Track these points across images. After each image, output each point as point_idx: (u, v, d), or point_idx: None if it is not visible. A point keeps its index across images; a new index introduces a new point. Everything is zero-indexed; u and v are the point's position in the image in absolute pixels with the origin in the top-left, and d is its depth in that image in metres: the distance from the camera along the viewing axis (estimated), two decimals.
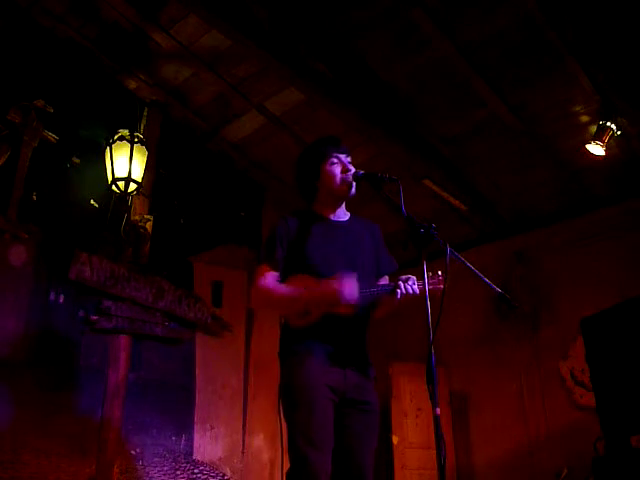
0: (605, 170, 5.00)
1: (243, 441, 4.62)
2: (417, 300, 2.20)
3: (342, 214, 2.49)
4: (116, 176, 4.02)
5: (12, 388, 3.32)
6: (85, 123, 4.13)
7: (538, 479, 5.10)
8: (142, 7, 3.83)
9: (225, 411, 4.59)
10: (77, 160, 4.04)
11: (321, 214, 2.45)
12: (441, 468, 1.77)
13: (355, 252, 2.39)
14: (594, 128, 4.44)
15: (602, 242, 5.32)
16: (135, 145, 4.07)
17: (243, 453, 4.59)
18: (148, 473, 3.83)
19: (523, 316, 5.55)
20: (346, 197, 2.44)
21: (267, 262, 2.33)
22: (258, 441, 4.73)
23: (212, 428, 4.42)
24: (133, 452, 3.83)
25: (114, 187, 4.03)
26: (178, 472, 4.03)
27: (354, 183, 2.39)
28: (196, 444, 4.28)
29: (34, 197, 3.72)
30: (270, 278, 2.29)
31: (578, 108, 4.43)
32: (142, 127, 4.47)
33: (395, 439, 5.36)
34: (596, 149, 4.45)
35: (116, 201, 4.09)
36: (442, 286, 2.22)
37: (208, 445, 4.36)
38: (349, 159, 2.44)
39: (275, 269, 2.30)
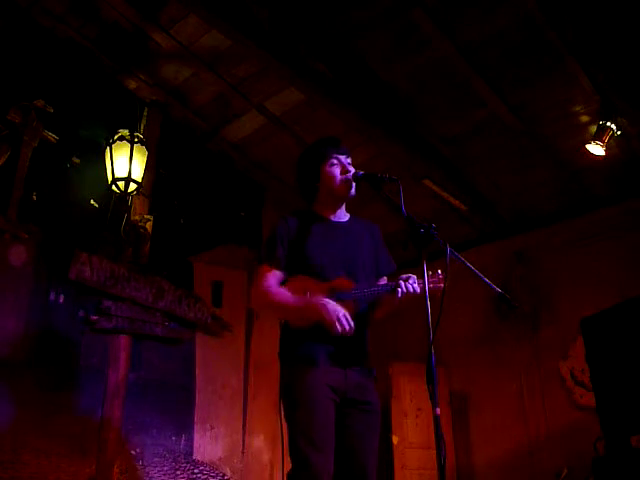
0: (605, 170, 5.00)
1: (243, 441, 4.62)
2: (417, 300, 2.20)
3: (342, 215, 2.50)
4: (116, 176, 4.01)
5: (12, 388, 3.32)
6: (85, 123, 4.13)
7: (538, 479, 5.10)
8: (142, 7, 3.83)
9: (225, 411, 4.59)
10: (77, 160, 4.04)
11: (321, 214, 2.45)
12: (441, 468, 1.77)
13: (355, 252, 2.39)
14: (594, 128, 4.44)
15: (602, 242, 5.32)
16: (135, 145, 4.07)
17: (243, 453, 4.59)
18: (148, 473, 3.83)
19: (523, 316, 5.55)
20: (346, 198, 2.45)
21: (268, 262, 2.33)
22: (258, 441, 4.73)
23: (212, 428, 4.42)
24: (133, 452, 3.82)
25: (114, 187, 4.03)
26: (178, 472, 4.03)
27: (354, 184, 2.40)
28: (196, 444, 4.27)
29: (34, 197, 3.72)
30: (272, 279, 2.29)
31: (578, 108, 4.43)
32: (142, 127, 4.47)
33: (395, 439, 5.36)
34: (596, 149, 4.45)
35: (116, 201, 4.09)
36: (442, 285, 2.23)
37: (208, 445, 4.36)
38: (349, 160, 2.45)
39: (277, 267, 2.31)
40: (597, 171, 5.04)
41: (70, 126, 4.00)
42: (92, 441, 3.57)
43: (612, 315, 4.01)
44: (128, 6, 3.80)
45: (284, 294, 2.26)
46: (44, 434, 3.37)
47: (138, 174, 4.08)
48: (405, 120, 4.70)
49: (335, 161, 2.41)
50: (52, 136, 3.86)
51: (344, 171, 2.40)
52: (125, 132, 4.08)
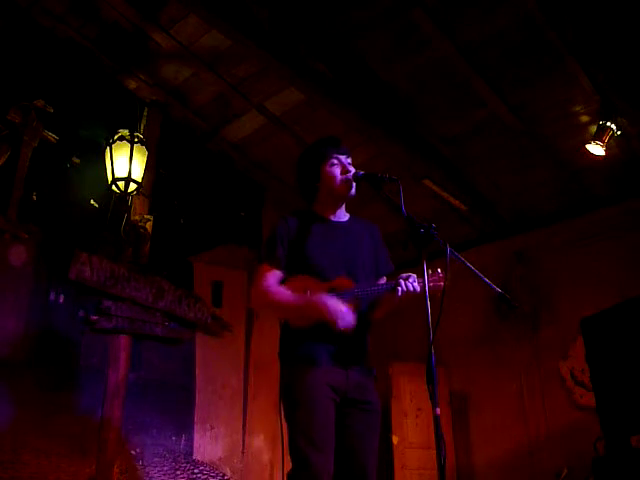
0: (605, 170, 5.00)
1: (243, 441, 4.62)
2: (417, 299, 2.20)
3: (342, 214, 2.50)
4: (116, 176, 4.01)
5: (12, 388, 3.32)
6: (85, 123, 4.13)
7: (538, 479, 5.10)
8: (142, 7, 3.83)
9: (225, 411, 4.59)
10: (77, 160, 4.04)
11: (321, 214, 2.45)
12: (441, 468, 1.77)
13: (355, 252, 2.40)
14: (594, 128, 4.44)
15: (602, 242, 5.32)
16: (135, 145, 4.07)
17: (243, 453, 4.59)
18: (148, 473, 3.83)
19: (523, 316, 5.55)
20: (346, 198, 2.45)
21: (268, 261, 2.33)
22: (258, 441, 4.73)
23: (212, 428, 4.42)
24: (133, 452, 3.82)
25: (114, 187, 4.03)
26: (178, 472, 4.03)
27: (354, 184, 2.40)
28: (196, 444, 4.27)
29: (34, 197, 3.72)
30: (272, 279, 2.29)
31: (578, 108, 4.43)
32: (142, 127, 4.47)
33: (395, 439, 5.36)
34: (596, 149, 4.45)
35: (116, 201, 4.09)
36: (442, 283, 2.23)
37: (208, 445, 4.36)
38: (349, 160, 2.45)
39: (277, 267, 2.31)
40: (597, 171, 5.04)
41: (70, 126, 4.00)
42: (92, 441, 3.57)
43: (612, 315, 4.01)
44: (128, 6, 3.80)
45: (284, 293, 2.26)
46: (44, 434, 3.37)
47: (138, 174, 4.08)
48: (405, 120, 4.70)
49: (335, 161, 2.41)
50: (52, 136, 3.86)
51: (344, 171, 2.40)
52: (125, 132, 4.08)
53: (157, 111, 4.63)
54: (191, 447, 4.23)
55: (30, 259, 3.61)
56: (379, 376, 2.42)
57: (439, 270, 2.30)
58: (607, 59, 3.95)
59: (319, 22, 3.91)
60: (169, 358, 4.24)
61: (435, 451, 1.77)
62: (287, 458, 2.12)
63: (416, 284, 2.23)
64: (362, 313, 2.31)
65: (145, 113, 4.55)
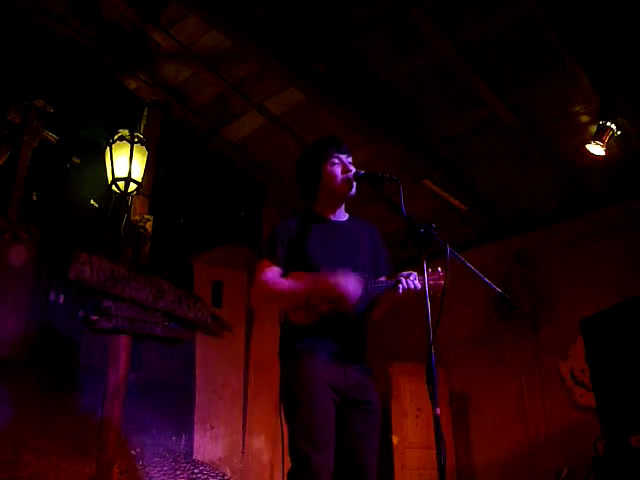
0: (605, 170, 5.00)
1: (243, 441, 4.62)
2: (416, 298, 2.20)
3: (342, 214, 2.50)
4: (116, 176, 4.01)
5: (12, 388, 3.32)
6: (85, 123, 4.13)
7: (538, 479, 5.10)
8: (142, 7, 3.83)
9: (225, 411, 4.59)
10: (77, 160, 4.04)
11: (321, 214, 2.45)
12: (441, 468, 1.77)
13: (355, 252, 2.40)
14: (594, 128, 4.44)
15: (602, 242, 5.32)
16: (135, 145, 4.07)
17: (243, 453, 4.59)
18: (148, 473, 3.83)
19: (523, 316, 5.55)
20: (346, 197, 2.45)
21: (268, 257, 2.33)
22: (258, 441, 4.73)
23: (212, 428, 4.42)
24: (133, 452, 3.82)
25: (114, 187, 4.03)
26: (178, 472, 4.03)
27: (355, 183, 2.39)
28: (196, 444, 4.27)
29: (34, 197, 3.72)
30: (272, 273, 2.29)
31: (578, 108, 4.43)
32: (142, 127, 4.46)
33: (395, 439, 5.36)
34: (596, 149, 4.45)
35: (116, 201, 4.09)
36: (442, 282, 2.23)
37: (208, 445, 4.36)
38: (350, 159, 2.45)
39: (277, 264, 2.30)
40: (597, 171, 5.03)
41: (70, 126, 4.00)
42: (92, 441, 3.57)
43: (612, 315, 4.01)
44: (128, 6, 3.80)
45: (285, 281, 2.26)
46: (44, 434, 3.37)
47: (138, 174, 4.08)
48: (405, 120, 4.70)
49: (336, 160, 2.41)
50: (52, 136, 3.86)
51: (345, 170, 2.40)
52: (125, 132, 4.08)
53: (157, 111, 4.63)
54: (191, 447, 4.23)
55: (30, 259, 3.61)
56: (379, 376, 2.42)
57: (439, 269, 2.31)
58: (607, 59, 3.95)
59: (319, 22, 3.91)
60: (169, 358, 4.24)
61: (435, 451, 1.77)
62: (287, 458, 2.12)
63: (417, 282, 2.24)
64: (361, 314, 2.32)
65: (145, 113, 4.55)
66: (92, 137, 4.14)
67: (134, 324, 3.88)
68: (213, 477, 4.24)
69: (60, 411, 3.50)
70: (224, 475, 4.33)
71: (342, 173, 2.40)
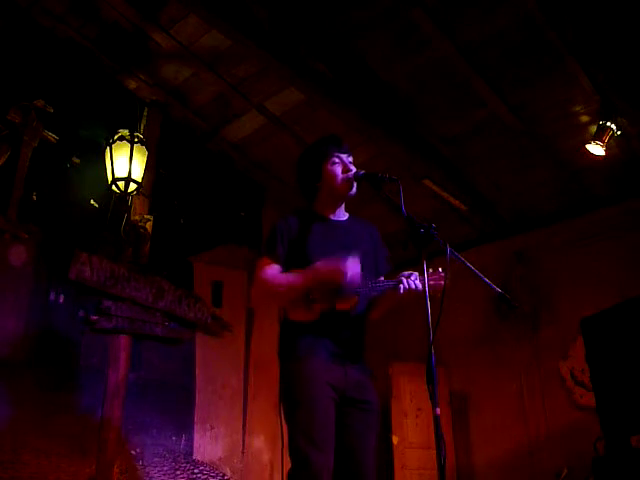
0: (605, 170, 5.00)
1: (243, 441, 4.62)
2: (416, 299, 2.20)
3: (341, 214, 2.51)
4: (116, 176, 4.01)
5: (12, 388, 3.32)
6: (85, 123, 4.13)
7: (538, 479, 5.10)
8: (142, 7, 3.83)
9: (225, 411, 4.59)
10: (77, 160, 4.04)
11: (321, 214, 2.46)
12: (441, 468, 1.77)
13: (355, 251, 2.39)
14: (594, 128, 4.44)
15: (602, 242, 5.32)
16: (135, 145, 4.07)
17: (243, 453, 4.59)
18: (148, 473, 3.83)
19: (523, 316, 5.55)
20: (346, 197, 2.45)
21: (268, 255, 2.33)
22: (258, 441, 4.73)
23: (212, 428, 4.42)
24: (133, 452, 3.82)
25: (114, 187, 4.03)
26: (178, 472, 4.03)
27: (355, 183, 2.40)
28: (196, 444, 4.28)
29: (34, 197, 3.72)
30: (271, 270, 2.29)
31: (578, 108, 4.43)
32: (142, 127, 4.46)
33: (395, 439, 5.36)
34: (596, 149, 4.45)
35: (116, 201, 4.09)
36: (442, 282, 2.24)
37: (208, 445, 4.36)
38: (350, 159, 2.45)
39: (277, 262, 2.31)
40: (597, 171, 5.04)
41: (70, 126, 4.00)
42: (92, 441, 3.57)
43: (612, 315, 4.01)
44: (128, 6, 3.80)
45: (284, 276, 2.27)
46: (44, 434, 3.37)
47: (138, 174, 4.08)
48: (405, 120, 4.70)
49: (337, 160, 2.41)
50: (52, 136, 3.86)
51: (346, 170, 2.40)
52: (125, 132, 4.07)
53: (157, 111, 4.63)
54: (191, 447, 4.23)
55: (30, 259, 3.61)
56: (379, 376, 2.42)
57: (440, 269, 2.31)
58: (607, 59, 3.95)
59: (319, 22, 3.91)
60: (169, 358, 4.24)
61: (435, 451, 1.77)
62: (287, 458, 2.12)
63: (418, 282, 2.24)
64: (360, 314, 2.32)
65: (145, 113, 4.55)
66: (92, 137, 4.14)
67: (134, 324, 3.88)
68: (213, 477, 4.24)
69: (60, 411, 3.50)
70: (224, 475, 4.33)
71: (343, 173, 2.40)
